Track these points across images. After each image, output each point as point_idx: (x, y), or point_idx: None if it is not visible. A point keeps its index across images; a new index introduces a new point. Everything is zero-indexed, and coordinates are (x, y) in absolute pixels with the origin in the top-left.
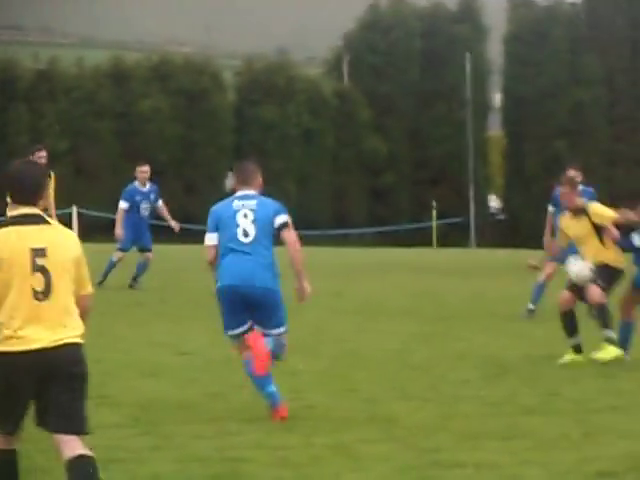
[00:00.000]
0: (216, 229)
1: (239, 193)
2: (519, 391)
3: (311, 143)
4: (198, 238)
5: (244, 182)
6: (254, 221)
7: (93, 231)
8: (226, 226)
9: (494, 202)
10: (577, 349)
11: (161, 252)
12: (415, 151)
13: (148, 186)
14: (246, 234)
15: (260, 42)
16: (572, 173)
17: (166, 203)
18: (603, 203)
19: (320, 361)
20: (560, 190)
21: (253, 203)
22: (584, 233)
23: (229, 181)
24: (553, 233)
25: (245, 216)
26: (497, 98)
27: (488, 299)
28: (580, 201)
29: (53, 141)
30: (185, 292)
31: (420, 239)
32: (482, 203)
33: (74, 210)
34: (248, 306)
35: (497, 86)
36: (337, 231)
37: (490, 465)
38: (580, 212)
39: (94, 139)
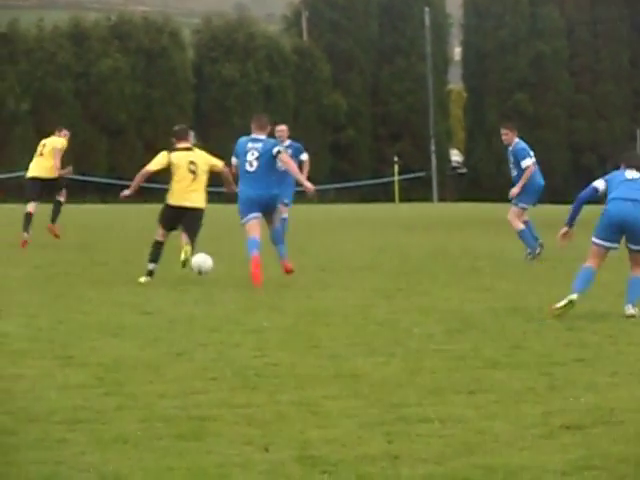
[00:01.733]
0: (237, 156)
1: (253, 136)
2: (483, 345)
3: (271, 100)
4: (160, 197)
5: (259, 128)
6: (257, 157)
7: None
8: (240, 158)
9: (456, 156)
10: None
11: (124, 211)
12: (376, 106)
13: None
14: (250, 165)
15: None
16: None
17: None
18: (563, 154)
19: (284, 318)
20: None
21: (260, 145)
22: None
23: (190, 139)
24: None
25: (252, 154)
26: (457, 51)
27: (451, 253)
28: None
29: (14, 103)
30: (147, 251)
31: (382, 194)
32: (444, 157)
33: None
34: (263, 206)
35: (457, 39)
36: (298, 188)
37: (456, 419)
38: None
39: (54, 100)
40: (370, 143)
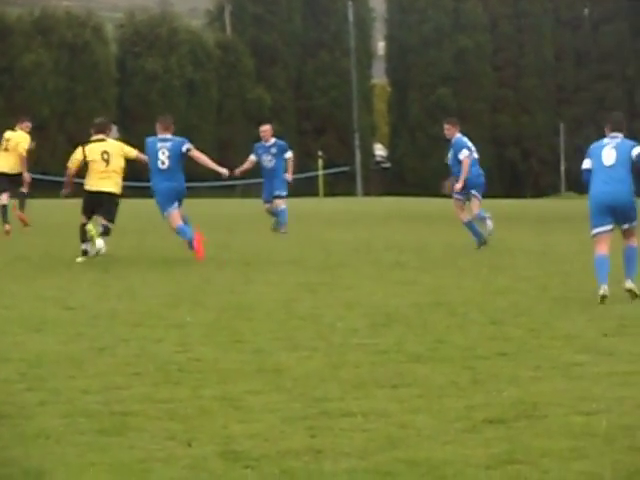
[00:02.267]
0: (147, 154)
1: (160, 136)
2: (407, 339)
3: (195, 94)
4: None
5: (165, 129)
6: (169, 156)
7: None
8: (151, 156)
9: (380, 150)
10: None
11: (46, 206)
12: (300, 101)
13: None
14: (163, 163)
15: None
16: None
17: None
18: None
19: (207, 313)
20: None
21: (169, 144)
22: None
23: (113, 133)
24: None
25: (163, 153)
26: (381, 46)
27: (375, 248)
28: None
29: None
30: (69, 246)
31: (307, 189)
32: (368, 152)
33: None
34: (178, 196)
35: (380, 34)
36: (222, 182)
37: (379, 413)
38: None
39: None
40: (294, 137)
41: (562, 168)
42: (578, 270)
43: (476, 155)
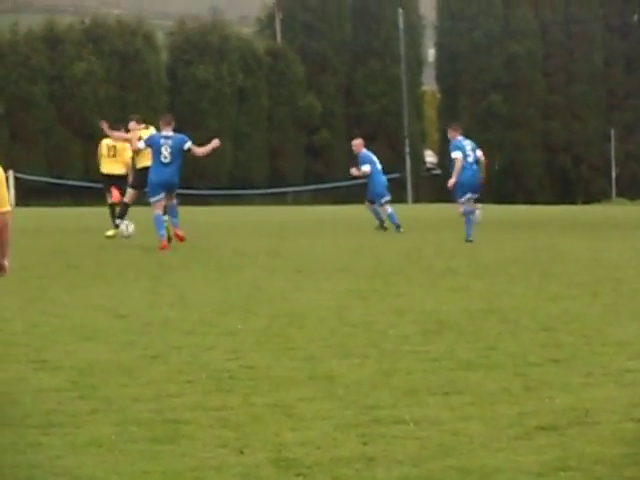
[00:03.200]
0: (150, 146)
1: (163, 133)
2: (458, 346)
3: (245, 102)
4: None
5: (167, 124)
6: (171, 152)
7: (29, 195)
8: (155, 151)
9: (430, 157)
10: None
11: (98, 214)
12: (350, 108)
13: None
14: (165, 157)
15: (193, 2)
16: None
17: None
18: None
19: (258, 320)
20: None
21: (170, 141)
22: None
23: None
24: None
25: (166, 149)
26: (431, 53)
27: (425, 254)
28: None
29: None
30: (121, 254)
31: (357, 196)
32: (418, 158)
33: (11, 174)
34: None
35: (431, 41)
36: (274, 190)
37: (431, 421)
38: None
39: (29, 103)
40: (345, 144)
41: (613, 174)
42: (630, 277)
43: (471, 159)
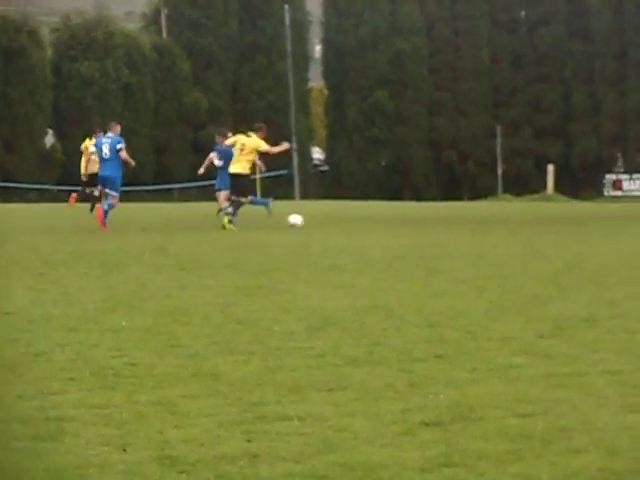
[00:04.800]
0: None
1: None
2: (343, 342)
3: (131, 98)
4: (19, 196)
5: (110, 129)
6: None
7: None
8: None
9: (317, 154)
10: None
11: None
12: (236, 104)
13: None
14: (105, 155)
15: None
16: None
17: None
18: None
19: (143, 318)
20: None
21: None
22: None
23: (49, 138)
24: None
25: (105, 147)
26: (317, 49)
27: (312, 251)
28: None
29: None
30: (6, 251)
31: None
32: (305, 155)
33: None
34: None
35: (317, 37)
36: (160, 186)
37: (315, 417)
38: None
39: None
40: None
41: (499, 170)
42: (514, 272)
43: (218, 162)
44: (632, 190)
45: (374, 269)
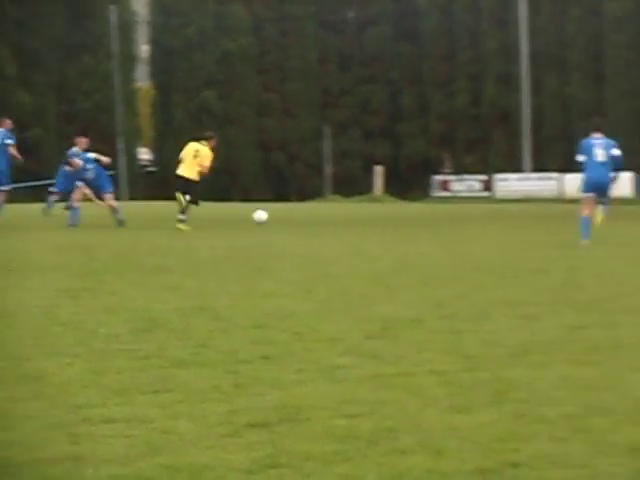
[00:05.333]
0: None
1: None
2: (169, 344)
3: None
4: None
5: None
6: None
7: None
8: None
9: (145, 154)
10: None
11: None
12: (62, 104)
13: None
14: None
15: None
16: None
17: None
18: (253, 152)
19: None
20: None
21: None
22: None
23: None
24: None
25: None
26: (145, 49)
27: (138, 252)
28: None
29: None
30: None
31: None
32: (132, 155)
33: None
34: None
35: (144, 37)
36: None
37: (140, 419)
38: None
39: None
40: (57, 142)
41: (327, 172)
42: (342, 272)
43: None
44: (459, 191)
45: (201, 271)
